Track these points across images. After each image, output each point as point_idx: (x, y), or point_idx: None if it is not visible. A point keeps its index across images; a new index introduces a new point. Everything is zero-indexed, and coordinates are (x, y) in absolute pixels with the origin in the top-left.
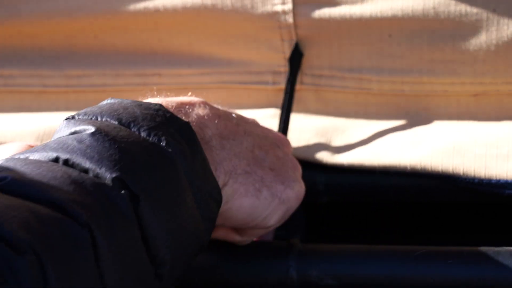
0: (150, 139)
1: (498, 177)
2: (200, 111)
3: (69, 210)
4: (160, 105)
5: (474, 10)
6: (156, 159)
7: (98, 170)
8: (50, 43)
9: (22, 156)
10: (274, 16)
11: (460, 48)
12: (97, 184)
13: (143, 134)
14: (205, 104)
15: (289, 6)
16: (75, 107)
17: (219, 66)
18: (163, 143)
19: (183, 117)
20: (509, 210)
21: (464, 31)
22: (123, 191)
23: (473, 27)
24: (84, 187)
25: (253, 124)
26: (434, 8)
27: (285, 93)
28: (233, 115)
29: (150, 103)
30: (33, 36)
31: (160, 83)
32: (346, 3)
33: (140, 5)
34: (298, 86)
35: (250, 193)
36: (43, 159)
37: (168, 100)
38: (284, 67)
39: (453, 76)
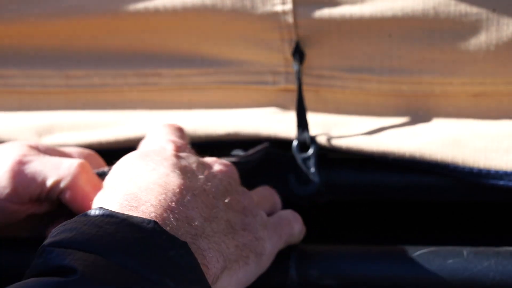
0: (152, 278)
1: (497, 168)
2: (186, 203)
3: None
4: (155, 222)
5: (474, 10)
6: None
7: None
8: (50, 43)
9: None
10: (274, 16)
11: (460, 48)
12: None
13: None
14: (180, 189)
15: (289, 6)
16: (75, 107)
17: (219, 66)
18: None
19: (174, 222)
20: (509, 210)
21: (464, 31)
22: None
23: (473, 27)
24: None
25: (212, 170)
26: (434, 8)
27: (298, 92)
28: (199, 176)
29: (143, 220)
30: (33, 36)
31: (160, 83)
32: (346, 3)
33: (140, 5)
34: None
35: (241, 266)
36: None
37: (162, 206)
38: (284, 67)
39: (453, 76)
